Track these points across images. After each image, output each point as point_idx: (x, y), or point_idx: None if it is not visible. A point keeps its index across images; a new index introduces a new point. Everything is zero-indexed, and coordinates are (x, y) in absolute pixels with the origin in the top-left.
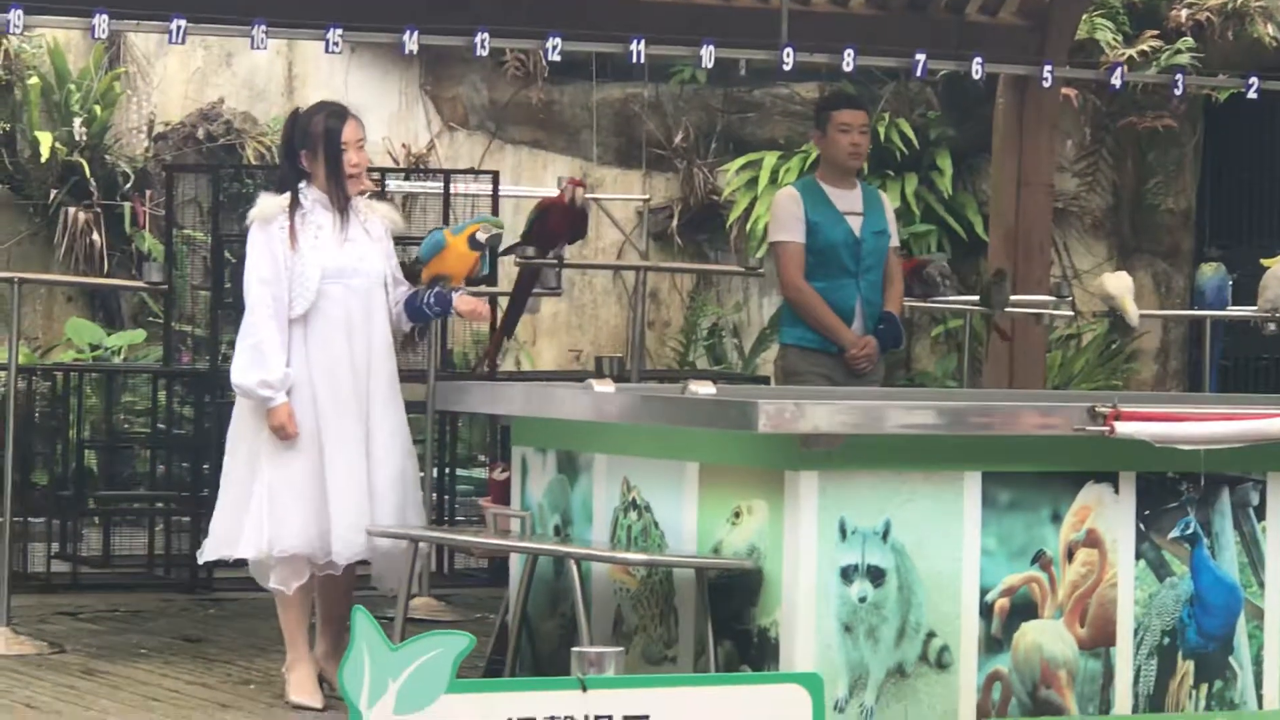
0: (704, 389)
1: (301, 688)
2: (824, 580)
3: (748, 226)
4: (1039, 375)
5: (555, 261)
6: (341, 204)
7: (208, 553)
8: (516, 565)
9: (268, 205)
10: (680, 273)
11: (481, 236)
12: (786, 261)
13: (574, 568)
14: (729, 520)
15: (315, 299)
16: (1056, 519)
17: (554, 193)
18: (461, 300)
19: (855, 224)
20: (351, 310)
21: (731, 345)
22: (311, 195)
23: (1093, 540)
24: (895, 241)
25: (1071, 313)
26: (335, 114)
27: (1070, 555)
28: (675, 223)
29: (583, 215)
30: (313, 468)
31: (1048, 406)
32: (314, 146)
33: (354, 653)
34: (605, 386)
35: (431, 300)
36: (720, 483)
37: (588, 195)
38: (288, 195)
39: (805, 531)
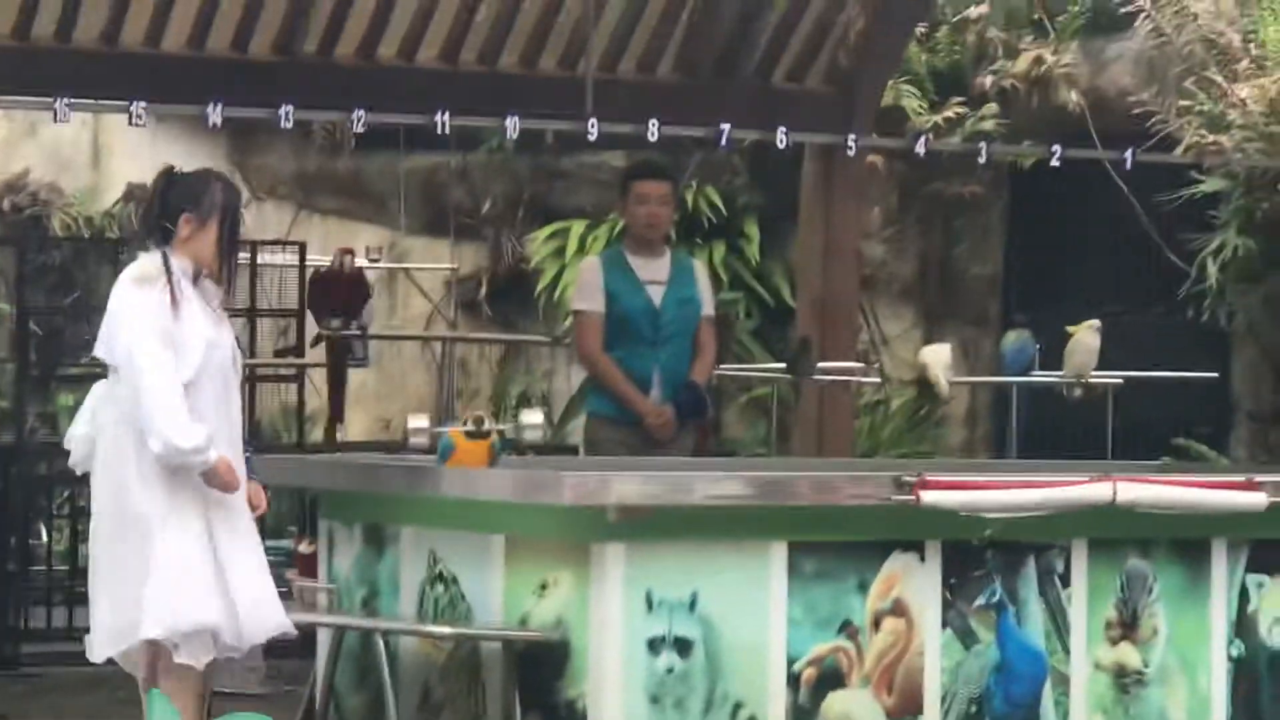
0: (532, 417)
1: None
2: (631, 651)
3: (555, 295)
4: (848, 441)
5: (359, 332)
6: (223, 277)
7: (115, 642)
8: (324, 639)
9: (148, 265)
10: (488, 342)
11: (474, 426)
12: (584, 331)
13: (380, 641)
14: (535, 592)
15: (200, 368)
16: (863, 588)
17: (334, 261)
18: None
19: (655, 293)
20: (228, 383)
21: (542, 413)
22: (176, 263)
23: (899, 609)
24: (708, 310)
25: (879, 379)
26: (234, 190)
27: (877, 624)
28: (484, 291)
29: (359, 279)
30: (205, 541)
31: (855, 476)
32: (206, 214)
33: None
34: (420, 421)
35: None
36: (527, 554)
37: (395, 264)
38: (161, 258)
39: (611, 603)
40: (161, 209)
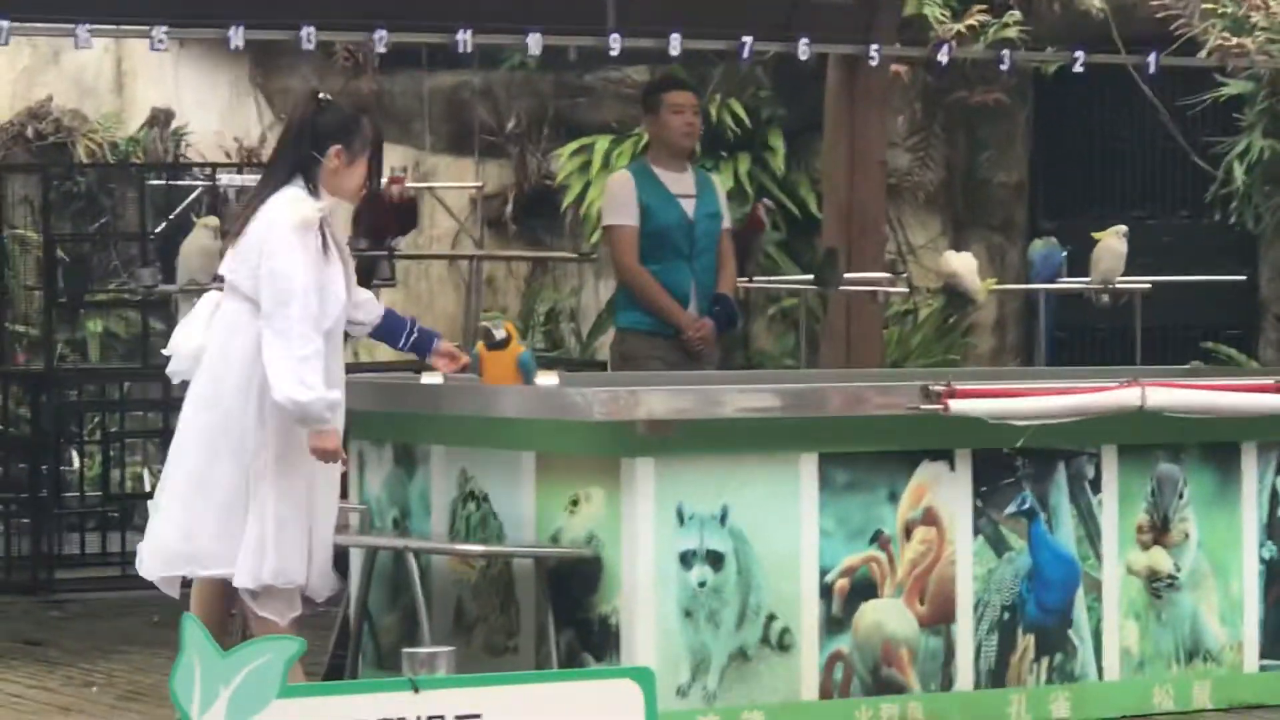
0: (550, 378)
1: None
2: (663, 566)
3: (582, 211)
4: (876, 352)
5: (386, 253)
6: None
7: (173, 566)
8: (356, 560)
9: (308, 210)
10: (515, 260)
11: (499, 334)
12: (620, 245)
13: (412, 560)
14: (567, 509)
15: (337, 317)
16: (894, 498)
17: (385, 181)
18: (441, 350)
19: (688, 206)
20: (342, 330)
21: (569, 330)
22: (327, 201)
23: (930, 518)
24: (727, 223)
25: (907, 289)
26: (379, 129)
27: (908, 534)
28: (510, 209)
29: (410, 209)
30: (306, 500)
31: (883, 386)
32: (357, 150)
33: (184, 661)
34: (437, 377)
35: (413, 340)
36: (557, 471)
37: (420, 184)
38: (325, 202)
39: (642, 518)
40: (314, 139)
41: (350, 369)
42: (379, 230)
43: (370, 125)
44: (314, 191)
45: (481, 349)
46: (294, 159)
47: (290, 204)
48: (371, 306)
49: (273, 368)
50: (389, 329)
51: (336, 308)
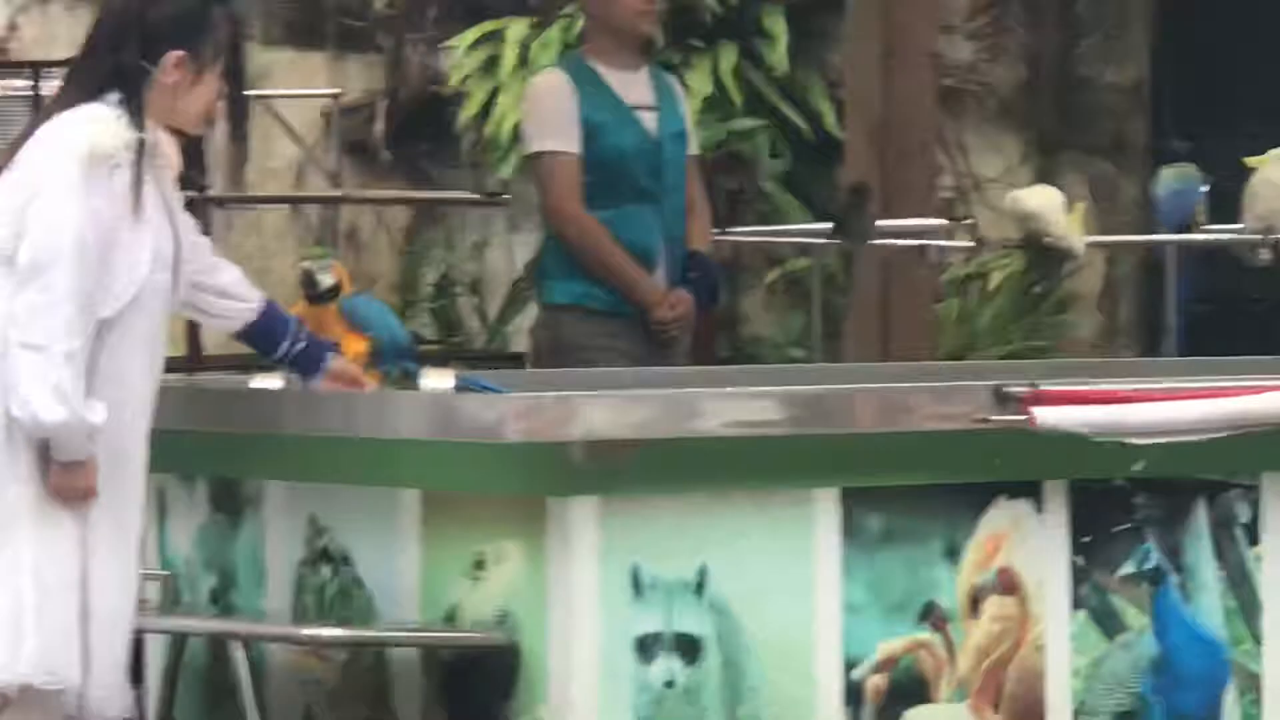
0: (440, 380)
1: None
2: (611, 657)
3: (488, 130)
4: (926, 337)
5: (197, 193)
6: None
7: None
8: (157, 649)
9: (109, 135)
10: (389, 204)
11: (325, 280)
12: (554, 182)
13: (240, 652)
14: (467, 574)
15: (133, 297)
16: (953, 555)
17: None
18: (336, 372)
19: (649, 121)
20: (165, 309)
21: (470, 307)
22: (152, 129)
23: (1008, 583)
24: (694, 148)
25: (973, 242)
26: (240, 26)
27: (975, 607)
28: (380, 128)
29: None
30: (79, 562)
31: (937, 388)
32: (208, 55)
33: None
34: (275, 380)
35: (296, 352)
36: (453, 518)
37: (246, 92)
38: (147, 132)
39: (581, 586)
40: (142, 39)
41: None
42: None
43: (227, 20)
44: (135, 114)
45: (299, 302)
46: (109, 66)
47: (82, 126)
48: (239, 294)
49: (14, 363)
50: (263, 331)
51: (132, 285)
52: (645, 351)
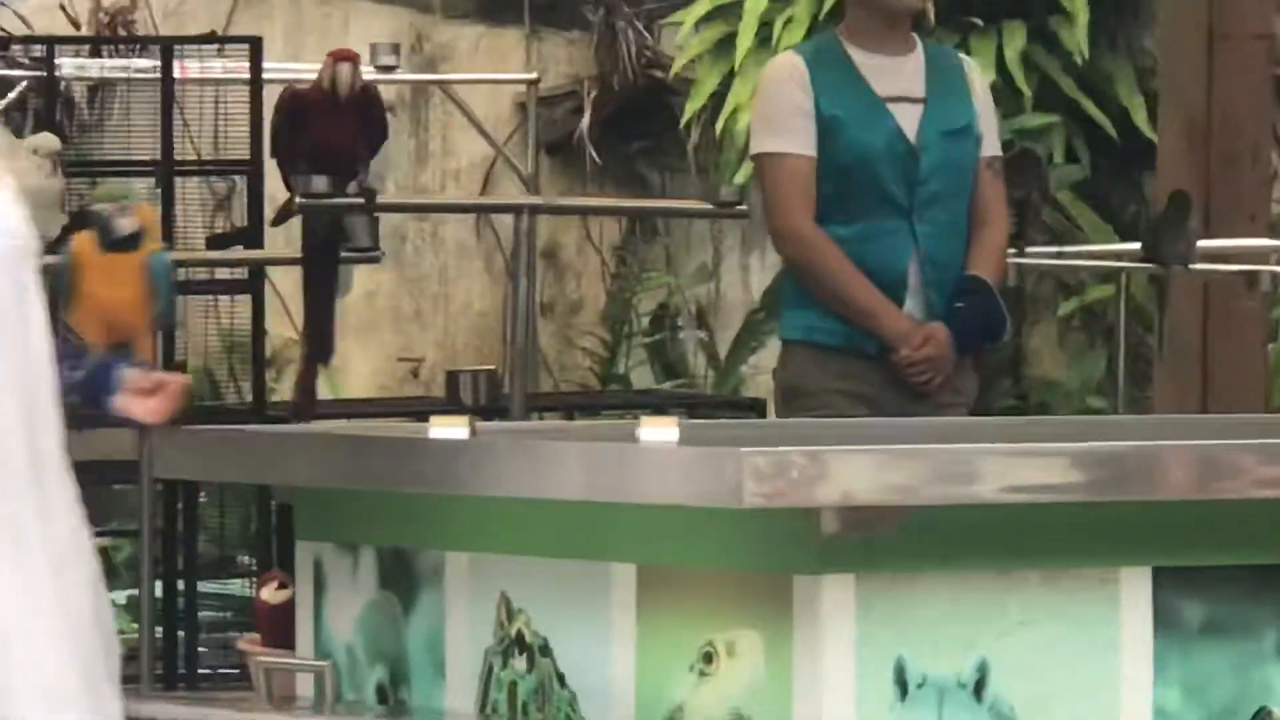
0: (661, 432)
1: None
2: None
3: (719, 126)
4: (1260, 380)
5: (361, 199)
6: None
7: None
8: None
9: None
10: (599, 214)
11: (123, 225)
12: (778, 189)
13: None
14: (694, 668)
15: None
16: None
17: (320, 75)
18: (131, 387)
19: (909, 118)
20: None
21: (696, 344)
22: None
23: None
24: (993, 148)
25: None
26: None
27: None
28: (587, 122)
29: (367, 105)
30: (55, 599)
31: (1270, 445)
32: None
33: None
34: (459, 428)
35: (78, 380)
36: (678, 600)
37: (418, 76)
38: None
39: (834, 685)
40: None
41: (296, 415)
42: (325, 152)
43: None
44: None
45: (87, 248)
46: None
47: None
48: None
49: None
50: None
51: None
52: (888, 399)
